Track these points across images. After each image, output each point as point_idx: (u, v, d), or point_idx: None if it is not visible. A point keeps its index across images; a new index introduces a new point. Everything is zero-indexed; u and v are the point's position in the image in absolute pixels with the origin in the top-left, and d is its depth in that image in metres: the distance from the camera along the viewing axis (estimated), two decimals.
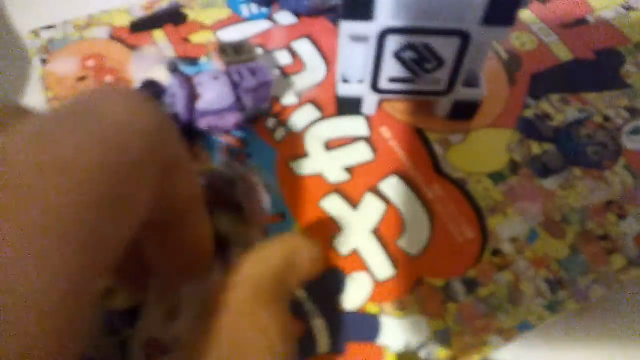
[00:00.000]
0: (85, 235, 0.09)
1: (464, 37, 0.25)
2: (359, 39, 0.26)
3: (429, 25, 0.24)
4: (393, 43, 0.25)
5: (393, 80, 0.27)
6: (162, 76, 0.28)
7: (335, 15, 0.35)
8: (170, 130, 0.12)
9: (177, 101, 0.27)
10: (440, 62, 0.26)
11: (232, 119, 0.28)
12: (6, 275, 0.08)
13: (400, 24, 0.24)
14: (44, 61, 0.33)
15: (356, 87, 0.28)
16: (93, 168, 0.10)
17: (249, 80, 0.27)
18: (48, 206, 0.09)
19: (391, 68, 0.27)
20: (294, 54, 0.33)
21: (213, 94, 0.28)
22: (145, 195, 0.11)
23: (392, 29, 0.25)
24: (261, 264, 0.14)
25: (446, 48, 0.25)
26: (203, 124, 0.28)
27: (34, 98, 0.32)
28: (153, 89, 0.28)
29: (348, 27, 0.25)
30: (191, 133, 0.29)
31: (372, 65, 0.27)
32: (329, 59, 0.33)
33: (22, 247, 0.08)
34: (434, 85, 0.28)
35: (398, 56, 0.26)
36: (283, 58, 0.33)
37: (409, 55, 0.26)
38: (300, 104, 0.31)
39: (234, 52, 0.28)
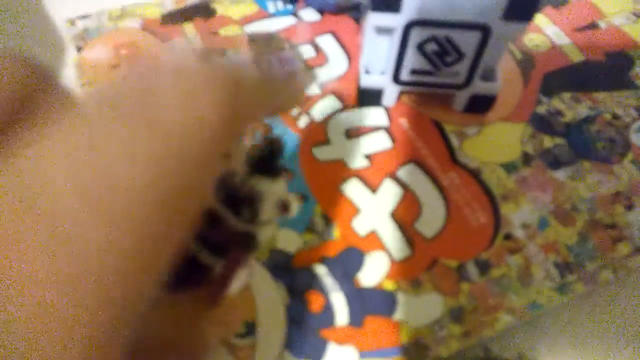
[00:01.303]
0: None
1: (485, 31, 0.26)
2: (384, 31, 0.27)
3: (452, 19, 0.26)
4: (417, 35, 0.27)
5: (414, 72, 0.29)
6: None
7: (357, 13, 0.37)
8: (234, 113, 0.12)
9: None
10: (460, 55, 0.27)
11: None
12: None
13: (425, 17, 0.26)
14: (79, 48, 0.35)
15: (378, 79, 0.30)
16: (146, 187, 0.10)
17: (277, 68, 0.29)
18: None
19: (413, 60, 0.28)
20: (317, 48, 0.35)
21: None
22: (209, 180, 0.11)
23: (417, 22, 0.26)
24: None
25: (467, 41, 0.27)
26: None
27: (68, 83, 0.34)
28: None
29: (375, 19, 0.27)
30: None
31: (395, 56, 0.28)
32: (350, 54, 0.35)
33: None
34: (453, 78, 0.29)
35: (421, 48, 0.27)
36: (307, 52, 0.34)
37: (431, 47, 0.27)
38: (323, 95, 0.32)
39: (264, 43, 0.30)
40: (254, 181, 0.17)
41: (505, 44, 0.28)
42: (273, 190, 0.17)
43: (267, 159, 0.18)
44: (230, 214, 0.17)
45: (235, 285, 0.17)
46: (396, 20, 0.26)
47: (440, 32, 0.27)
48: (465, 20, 0.26)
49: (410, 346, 0.23)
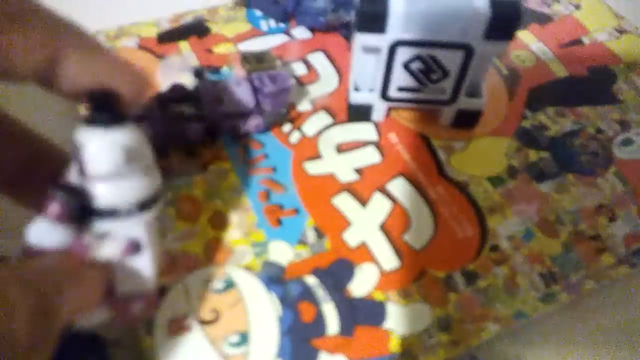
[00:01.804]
0: None
1: (468, 50, 0.27)
2: (371, 50, 0.28)
3: (436, 39, 0.27)
4: (402, 54, 0.28)
5: (401, 89, 0.30)
6: (187, 83, 0.31)
7: (347, 31, 0.38)
8: None
9: (203, 103, 0.29)
10: (445, 73, 0.29)
11: (252, 122, 0.31)
12: None
13: (409, 37, 0.27)
14: None
15: (367, 95, 0.31)
16: None
17: (269, 86, 0.30)
18: None
19: (400, 78, 0.29)
20: (308, 65, 0.36)
21: (235, 97, 0.30)
22: None
23: (402, 41, 0.27)
24: None
25: (451, 60, 0.28)
26: (225, 125, 0.31)
27: (63, 103, 0.35)
28: (179, 92, 0.30)
29: (362, 39, 0.28)
30: (214, 133, 0.31)
31: (382, 74, 0.29)
32: (341, 71, 0.36)
33: None
34: (439, 95, 0.30)
35: (406, 67, 0.28)
36: (299, 69, 0.36)
37: (416, 66, 0.28)
38: (314, 111, 0.33)
39: (256, 61, 0.31)
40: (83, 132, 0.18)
41: (488, 61, 0.29)
42: (109, 138, 0.18)
43: (100, 108, 0.18)
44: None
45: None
46: (382, 40, 0.27)
47: (425, 51, 0.28)
48: (448, 40, 0.27)
49: (400, 356, 0.24)
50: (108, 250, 0.19)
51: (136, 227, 0.20)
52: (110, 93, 0.18)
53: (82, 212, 0.19)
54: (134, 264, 0.20)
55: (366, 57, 0.29)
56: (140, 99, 0.19)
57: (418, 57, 0.28)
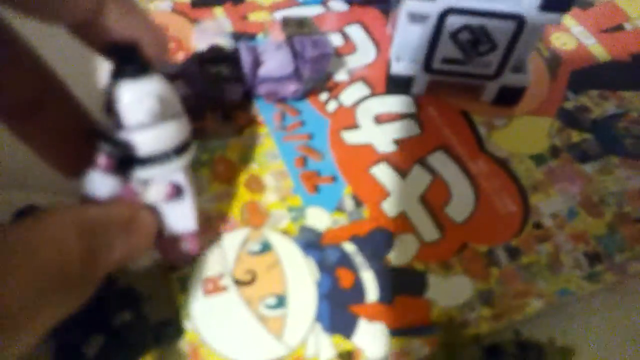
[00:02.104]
0: None
1: (520, 22, 0.26)
2: (418, 18, 0.28)
3: (488, 8, 0.26)
4: (451, 23, 0.27)
5: (446, 60, 0.29)
6: (226, 44, 0.30)
7: (385, 5, 0.37)
8: None
9: (242, 65, 0.29)
10: (493, 45, 0.28)
11: (291, 87, 0.30)
12: None
13: (461, 5, 0.26)
14: None
15: (409, 66, 0.30)
16: None
17: (310, 50, 0.29)
18: None
19: (446, 48, 0.28)
20: (345, 36, 0.35)
21: (275, 62, 0.29)
22: None
23: (453, 9, 0.26)
24: None
25: (501, 31, 0.27)
26: (262, 89, 0.30)
27: (98, 59, 0.34)
28: (218, 53, 0.29)
29: (410, 6, 0.27)
30: (250, 97, 0.31)
31: (427, 44, 0.28)
32: (378, 43, 0.35)
33: None
34: (484, 69, 0.29)
35: (454, 37, 0.28)
36: (335, 40, 0.35)
37: (464, 36, 0.28)
38: (352, 81, 0.32)
39: (297, 25, 0.30)
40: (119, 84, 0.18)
41: (537, 35, 0.28)
42: (140, 89, 0.18)
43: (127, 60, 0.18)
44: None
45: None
46: (431, 7, 0.27)
47: (475, 21, 0.27)
48: (501, 10, 0.26)
49: (441, 327, 0.23)
50: (153, 195, 0.20)
51: (176, 171, 0.20)
52: (134, 45, 0.18)
53: (126, 162, 0.19)
54: (177, 206, 0.21)
55: (411, 27, 0.29)
56: (161, 57, 0.20)
57: (467, 27, 0.27)
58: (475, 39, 0.28)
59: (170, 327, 0.23)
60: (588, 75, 0.34)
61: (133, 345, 0.21)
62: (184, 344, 0.22)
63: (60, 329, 0.19)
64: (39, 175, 0.28)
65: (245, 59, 0.29)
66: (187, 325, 0.23)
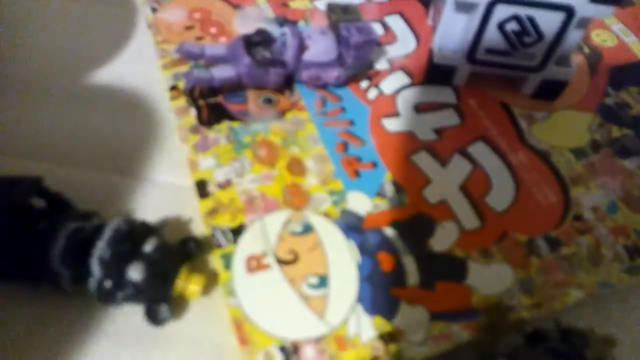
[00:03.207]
0: None
1: (569, 13, 0.26)
2: (465, 7, 0.28)
3: None
4: (499, 13, 0.27)
5: (490, 51, 0.29)
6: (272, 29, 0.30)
7: None
8: None
9: (287, 49, 0.29)
10: (539, 37, 0.28)
11: (333, 73, 0.30)
12: None
13: None
14: (154, 9, 0.35)
15: (452, 56, 0.30)
16: None
17: (356, 36, 0.29)
18: None
19: (491, 39, 0.28)
20: (386, 27, 0.35)
21: (319, 47, 0.30)
22: None
23: None
24: None
25: (549, 22, 0.27)
26: (305, 75, 0.30)
27: (142, 41, 0.35)
28: (264, 36, 0.30)
29: None
30: (292, 82, 0.31)
31: (473, 34, 0.28)
32: (418, 34, 0.35)
33: None
34: (528, 60, 0.29)
35: (501, 27, 0.28)
36: (376, 29, 0.35)
37: (511, 26, 0.28)
38: (392, 70, 0.33)
39: (342, 12, 0.31)
40: None
41: (584, 28, 0.28)
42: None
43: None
44: None
45: None
46: None
47: (524, 11, 0.27)
48: (551, 0, 0.26)
49: (482, 313, 0.23)
50: None
51: None
52: None
53: None
54: None
55: (457, 16, 0.29)
56: None
57: (515, 17, 0.27)
58: (522, 30, 0.28)
59: (190, 243, 0.24)
60: (628, 72, 0.34)
61: (167, 263, 0.23)
62: (228, 318, 0.23)
63: (105, 263, 0.21)
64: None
65: (291, 43, 0.29)
66: (231, 301, 0.23)
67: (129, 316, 0.23)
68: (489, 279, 0.24)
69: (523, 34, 0.28)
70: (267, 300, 0.23)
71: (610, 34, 0.36)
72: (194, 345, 0.23)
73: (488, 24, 0.28)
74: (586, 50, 0.35)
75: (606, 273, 0.25)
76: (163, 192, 0.27)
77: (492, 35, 0.28)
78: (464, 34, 0.29)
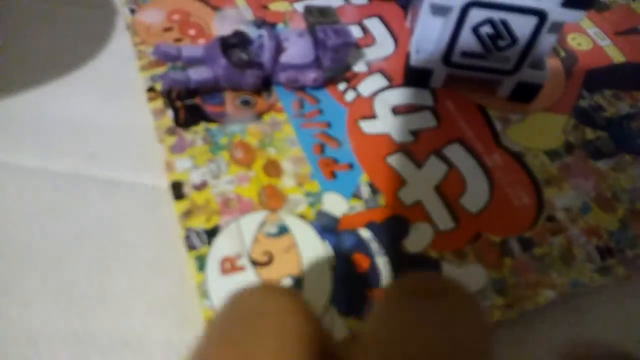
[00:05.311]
0: None
1: (541, 17, 0.27)
2: (440, 10, 0.28)
3: (511, 2, 0.26)
4: (473, 16, 0.27)
5: (465, 54, 0.29)
6: (249, 31, 0.30)
7: (404, 0, 0.37)
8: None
9: (264, 51, 0.29)
10: (513, 40, 0.28)
11: (311, 75, 0.30)
12: None
13: None
14: (133, 11, 0.35)
15: (428, 59, 0.30)
16: None
17: (332, 39, 0.29)
18: None
19: (466, 42, 0.29)
20: (364, 29, 0.36)
21: (297, 49, 0.30)
22: None
23: (476, 2, 0.27)
24: None
25: (522, 26, 0.27)
26: (283, 77, 0.30)
27: (120, 42, 0.34)
28: (241, 38, 0.30)
29: None
30: (270, 84, 0.31)
31: (448, 37, 0.29)
32: (397, 37, 0.35)
33: None
34: (502, 63, 0.30)
35: (475, 30, 0.28)
36: (354, 32, 0.35)
37: (485, 30, 0.28)
38: (370, 72, 0.33)
39: (319, 14, 0.31)
40: None
41: (557, 32, 0.28)
42: None
43: None
44: None
45: None
46: (454, 0, 0.27)
47: (497, 15, 0.27)
48: (523, 4, 0.27)
49: None
50: None
51: None
52: None
53: None
54: None
55: (433, 19, 0.29)
56: None
57: (489, 21, 0.28)
58: (496, 33, 0.28)
59: None
60: (603, 76, 0.34)
61: None
62: (201, 321, 0.23)
63: None
64: None
65: (268, 45, 0.29)
66: (205, 303, 0.23)
67: (105, 322, 0.23)
68: (462, 279, 0.25)
69: (497, 38, 0.28)
70: None
71: (586, 38, 0.37)
72: (170, 347, 0.22)
73: (463, 27, 0.28)
74: (562, 53, 0.35)
75: (578, 272, 0.25)
76: (138, 194, 0.27)
77: (467, 38, 0.29)
78: (440, 37, 0.29)
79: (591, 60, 0.35)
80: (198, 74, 0.29)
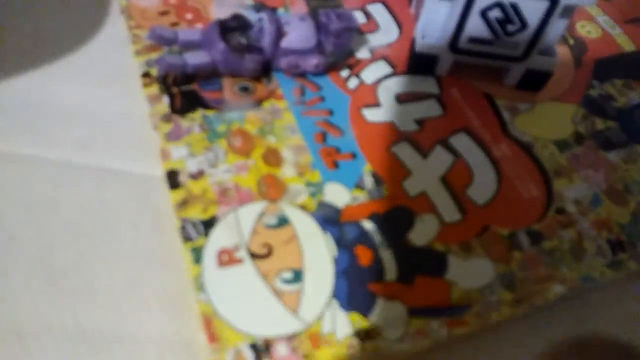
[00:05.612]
0: None
1: (553, 0, 0.26)
2: None
3: None
4: (482, 0, 0.26)
5: (473, 40, 0.28)
6: (249, 15, 0.29)
7: None
8: None
9: (265, 36, 0.28)
10: (523, 25, 0.27)
11: (312, 61, 0.29)
12: None
13: None
14: None
15: (434, 45, 0.29)
16: None
17: (335, 22, 0.28)
18: None
19: (474, 27, 0.28)
20: (368, 15, 0.34)
21: (298, 33, 0.29)
22: None
23: None
24: None
25: (533, 10, 0.26)
26: (283, 62, 0.29)
27: (114, 26, 0.33)
28: (241, 21, 0.28)
29: None
30: (270, 70, 0.30)
31: (455, 21, 0.28)
32: (401, 23, 0.34)
33: None
34: (511, 50, 0.28)
35: (483, 14, 0.27)
36: (358, 17, 0.34)
37: (494, 14, 0.27)
38: (373, 59, 0.32)
39: None
40: None
41: (568, 17, 0.27)
42: None
43: None
44: None
45: None
46: None
47: None
48: None
49: (461, 309, 0.22)
50: None
51: None
52: None
53: None
54: None
55: (439, 4, 0.28)
56: None
57: (498, 4, 0.26)
58: (505, 18, 0.27)
59: None
60: (613, 64, 0.33)
61: None
62: (197, 315, 0.22)
63: None
64: None
65: (268, 29, 0.28)
66: (201, 297, 0.22)
67: (96, 316, 0.22)
68: (469, 273, 0.24)
69: (506, 22, 0.27)
70: (238, 295, 0.22)
71: (596, 25, 0.36)
72: (164, 342, 0.22)
73: (471, 11, 0.27)
74: (571, 41, 0.34)
75: (589, 267, 0.24)
76: (133, 183, 0.26)
77: (474, 23, 0.27)
78: (446, 22, 0.28)
79: (601, 49, 0.34)
80: (195, 59, 0.28)
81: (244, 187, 0.25)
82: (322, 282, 0.23)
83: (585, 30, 0.35)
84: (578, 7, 0.27)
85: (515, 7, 0.26)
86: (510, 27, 0.27)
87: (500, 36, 0.28)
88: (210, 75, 0.29)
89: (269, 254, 0.23)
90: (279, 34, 0.28)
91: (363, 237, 0.24)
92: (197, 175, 0.26)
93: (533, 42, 0.28)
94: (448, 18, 0.28)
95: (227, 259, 0.23)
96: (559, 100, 0.31)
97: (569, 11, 0.27)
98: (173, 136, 0.27)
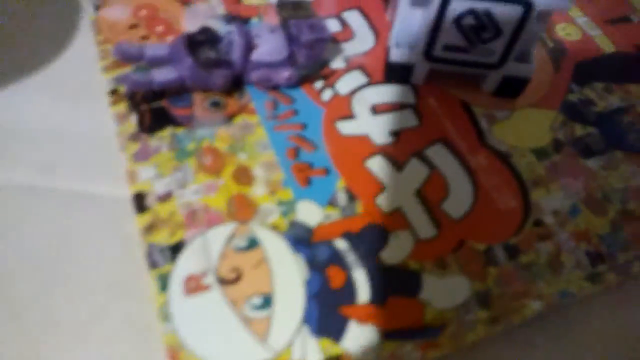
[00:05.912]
0: None
1: (527, 6, 0.25)
2: (420, 1, 0.26)
3: None
4: (455, 7, 0.26)
5: (447, 48, 0.28)
6: (218, 27, 0.28)
7: None
8: None
9: (234, 49, 0.27)
10: (498, 32, 0.26)
11: (284, 73, 0.28)
12: None
13: None
14: (97, 7, 0.33)
15: (409, 54, 0.29)
16: None
17: (307, 34, 0.28)
18: None
19: (448, 35, 0.27)
20: (343, 22, 0.34)
21: (269, 46, 0.28)
22: None
23: None
24: None
25: (507, 17, 0.26)
26: (254, 76, 0.28)
27: (83, 41, 0.32)
28: (209, 35, 0.28)
29: None
30: (241, 84, 0.29)
31: (429, 29, 0.27)
32: (377, 31, 0.33)
33: None
34: (487, 57, 0.28)
35: (457, 22, 0.26)
36: (333, 26, 0.33)
37: (468, 21, 0.26)
38: (348, 69, 0.31)
39: (292, 8, 0.29)
40: None
41: (544, 22, 0.27)
42: None
43: None
44: None
45: None
46: None
47: (480, 5, 0.25)
48: None
49: (435, 330, 0.22)
50: None
51: None
52: None
53: None
54: None
55: (413, 11, 0.27)
56: None
57: (472, 12, 0.26)
58: (479, 25, 0.26)
59: None
60: (593, 67, 0.33)
61: None
62: (162, 346, 0.21)
63: None
64: None
65: (238, 42, 0.27)
66: (166, 327, 0.21)
67: (59, 351, 0.21)
68: (444, 292, 0.23)
69: (481, 30, 0.26)
70: (205, 325, 0.22)
71: (575, 27, 0.35)
72: None
73: (444, 19, 0.26)
74: (550, 44, 0.34)
75: (566, 282, 0.24)
76: (100, 207, 0.25)
77: (449, 31, 0.27)
78: (420, 29, 0.27)
79: (581, 51, 0.33)
80: (162, 75, 0.27)
81: (213, 208, 0.25)
82: (292, 307, 0.22)
83: (565, 32, 0.35)
84: (555, 11, 0.26)
85: (489, 14, 0.26)
86: (485, 34, 0.27)
87: (475, 43, 0.27)
88: (180, 91, 0.28)
89: (238, 278, 0.23)
90: (249, 46, 0.28)
91: (335, 258, 0.24)
92: (165, 197, 0.25)
93: (509, 49, 0.27)
94: (422, 25, 0.27)
95: (194, 285, 0.23)
96: (538, 107, 0.30)
97: (544, 16, 0.26)
98: (141, 156, 0.26)
